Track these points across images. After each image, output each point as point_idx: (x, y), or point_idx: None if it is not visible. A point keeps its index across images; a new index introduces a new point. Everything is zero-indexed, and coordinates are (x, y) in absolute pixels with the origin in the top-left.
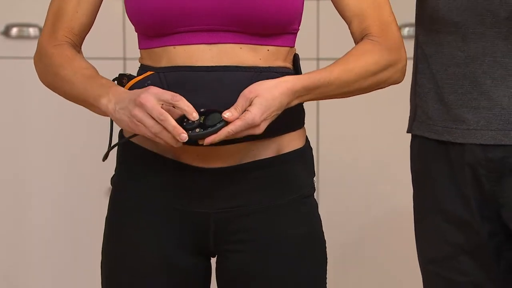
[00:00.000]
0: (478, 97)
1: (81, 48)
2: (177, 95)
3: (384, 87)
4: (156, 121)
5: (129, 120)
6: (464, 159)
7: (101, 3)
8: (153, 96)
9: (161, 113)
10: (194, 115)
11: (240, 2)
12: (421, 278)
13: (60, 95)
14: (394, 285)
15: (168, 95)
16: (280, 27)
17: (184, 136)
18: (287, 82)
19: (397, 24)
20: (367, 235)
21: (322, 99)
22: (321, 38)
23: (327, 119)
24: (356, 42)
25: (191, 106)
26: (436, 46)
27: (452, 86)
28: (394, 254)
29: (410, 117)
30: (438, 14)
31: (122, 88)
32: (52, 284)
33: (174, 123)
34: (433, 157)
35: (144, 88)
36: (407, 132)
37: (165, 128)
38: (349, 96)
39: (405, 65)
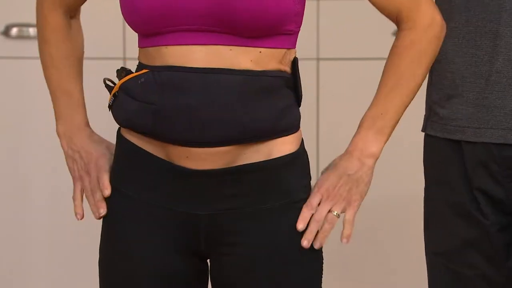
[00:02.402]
0: (489, 96)
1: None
2: (102, 171)
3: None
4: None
5: (74, 172)
6: (477, 157)
7: None
8: (98, 168)
9: (94, 186)
10: (105, 192)
11: (227, 3)
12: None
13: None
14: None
15: (98, 170)
16: (270, 28)
17: (101, 211)
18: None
19: None
20: (366, 236)
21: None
22: (321, 38)
23: (327, 119)
24: (390, 18)
25: (106, 184)
26: (455, 45)
27: (467, 85)
28: (393, 253)
29: (424, 116)
30: (453, 9)
31: (80, 135)
32: (52, 284)
33: (100, 197)
34: (446, 155)
35: (96, 155)
36: (422, 131)
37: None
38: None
39: (442, 21)
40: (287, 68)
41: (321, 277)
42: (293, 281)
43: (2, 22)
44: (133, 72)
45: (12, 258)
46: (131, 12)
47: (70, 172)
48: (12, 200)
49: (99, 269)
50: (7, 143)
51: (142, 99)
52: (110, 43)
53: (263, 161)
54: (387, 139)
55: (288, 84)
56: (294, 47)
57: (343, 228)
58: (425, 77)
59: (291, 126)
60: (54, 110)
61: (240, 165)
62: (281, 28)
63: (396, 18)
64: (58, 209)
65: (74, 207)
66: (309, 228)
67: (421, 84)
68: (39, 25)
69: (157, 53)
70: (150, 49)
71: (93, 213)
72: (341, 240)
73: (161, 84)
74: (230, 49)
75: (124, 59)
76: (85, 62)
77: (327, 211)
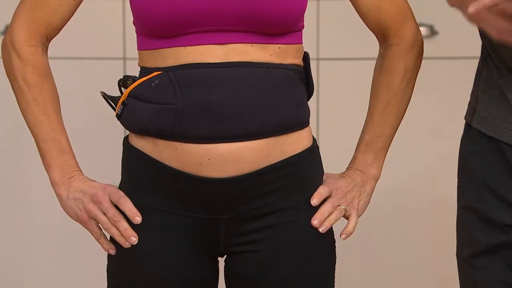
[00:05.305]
0: None
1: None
2: (123, 197)
3: None
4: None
5: (80, 212)
6: None
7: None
8: (107, 195)
9: (114, 214)
10: (136, 219)
11: (250, 3)
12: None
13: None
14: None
15: (115, 196)
16: (289, 26)
17: (133, 239)
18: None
19: (409, 6)
20: (366, 234)
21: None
22: (321, 38)
23: (327, 119)
24: (376, 35)
25: (134, 209)
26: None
27: None
28: (392, 253)
29: (470, 108)
30: None
31: (79, 177)
32: (53, 284)
33: (126, 225)
34: (487, 155)
35: (101, 185)
36: (466, 121)
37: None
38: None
39: (422, 37)
40: (300, 62)
41: (334, 272)
42: (314, 271)
43: (2, 22)
44: (137, 78)
45: (13, 258)
46: (149, 13)
47: (77, 218)
48: (11, 202)
49: (108, 276)
50: (7, 144)
51: (158, 101)
52: (110, 43)
53: (286, 158)
54: (384, 159)
55: (302, 78)
56: (302, 42)
57: (346, 225)
58: (412, 94)
59: (306, 119)
60: (45, 159)
61: (266, 167)
62: (298, 24)
63: (383, 33)
64: (59, 212)
65: (102, 246)
66: (320, 210)
67: (409, 101)
68: (15, 65)
69: (172, 54)
70: (163, 50)
71: (122, 243)
72: (340, 235)
73: (178, 83)
74: (252, 46)
75: (124, 59)
76: (85, 62)
77: (336, 205)
